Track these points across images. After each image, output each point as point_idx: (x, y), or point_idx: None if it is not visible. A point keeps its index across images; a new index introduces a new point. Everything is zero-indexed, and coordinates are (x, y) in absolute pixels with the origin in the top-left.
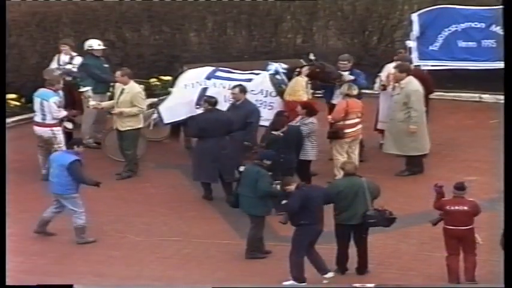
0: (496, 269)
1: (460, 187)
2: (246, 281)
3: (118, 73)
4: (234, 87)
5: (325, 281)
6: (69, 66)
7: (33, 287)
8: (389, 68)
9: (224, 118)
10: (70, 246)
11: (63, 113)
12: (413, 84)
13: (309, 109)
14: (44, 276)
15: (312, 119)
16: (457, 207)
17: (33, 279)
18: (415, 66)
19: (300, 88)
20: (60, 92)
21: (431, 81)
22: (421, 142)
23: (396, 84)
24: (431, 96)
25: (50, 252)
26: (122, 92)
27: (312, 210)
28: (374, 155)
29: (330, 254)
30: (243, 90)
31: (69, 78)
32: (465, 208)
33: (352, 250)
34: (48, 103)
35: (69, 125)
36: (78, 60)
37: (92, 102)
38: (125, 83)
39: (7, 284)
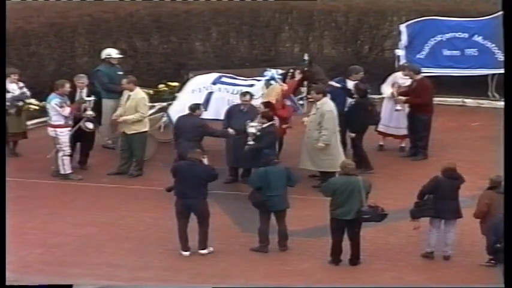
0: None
1: None
2: (248, 270)
3: (124, 81)
4: (245, 94)
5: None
6: (18, 92)
7: (34, 287)
8: (396, 76)
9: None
10: (85, 240)
11: (67, 110)
12: (328, 105)
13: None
14: (61, 266)
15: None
16: None
17: (52, 270)
18: (422, 75)
19: (274, 94)
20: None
21: (432, 91)
22: (334, 160)
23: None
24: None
25: (67, 245)
26: (128, 98)
27: (180, 183)
28: (373, 156)
29: (325, 246)
30: (252, 96)
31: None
32: None
33: (345, 243)
34: (50, 105)
35: (90, 125)
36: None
37: (89, 112)
38: (131, 90)
39: (7, 283)
